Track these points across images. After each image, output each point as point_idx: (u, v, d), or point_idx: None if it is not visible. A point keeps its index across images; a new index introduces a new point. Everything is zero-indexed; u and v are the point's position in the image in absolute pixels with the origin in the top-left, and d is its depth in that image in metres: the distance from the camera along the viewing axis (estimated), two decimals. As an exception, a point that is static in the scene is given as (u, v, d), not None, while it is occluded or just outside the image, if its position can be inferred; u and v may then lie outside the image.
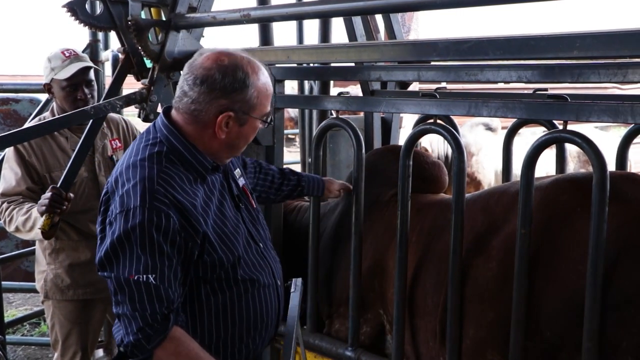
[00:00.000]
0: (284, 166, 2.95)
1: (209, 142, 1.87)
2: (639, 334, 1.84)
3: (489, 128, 6.87)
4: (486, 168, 6.69)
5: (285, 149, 2.98)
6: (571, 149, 5.97)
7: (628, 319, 1.85)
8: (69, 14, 2.75)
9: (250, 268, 1.93)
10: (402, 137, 3.44)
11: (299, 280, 2.20)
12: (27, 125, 3.13)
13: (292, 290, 2.16)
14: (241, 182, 2.10)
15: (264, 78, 1.88)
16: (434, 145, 6.46)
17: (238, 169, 2.14)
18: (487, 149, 6.68)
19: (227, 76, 1.78)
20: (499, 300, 2.11)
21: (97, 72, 3.21)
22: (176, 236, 1.73)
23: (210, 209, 1.86)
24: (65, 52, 2.99)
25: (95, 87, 3.10)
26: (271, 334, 2.06)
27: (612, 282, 1.87)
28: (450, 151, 6.30)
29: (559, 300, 1.99)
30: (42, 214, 2.68)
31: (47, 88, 3.07)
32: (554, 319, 1.99)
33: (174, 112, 1.90)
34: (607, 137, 7.00)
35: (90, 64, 3.05)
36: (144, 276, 1.69)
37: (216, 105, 1.80)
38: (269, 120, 1.94)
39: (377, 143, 3.62)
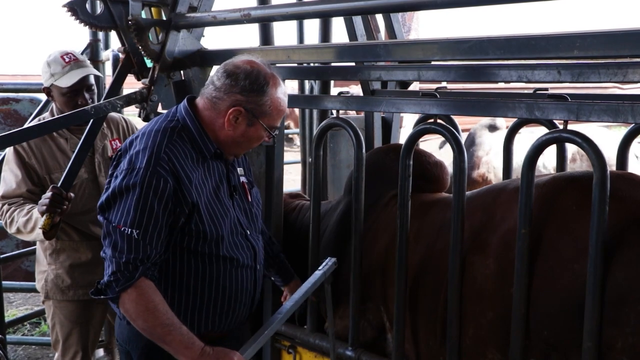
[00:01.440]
0: (284, 166, 2.96)
1: (218, 132, 2.09)
2: (633, 334, 1.83)
3: (497, 128, 6.93)
4: (497, 167, 6.74)
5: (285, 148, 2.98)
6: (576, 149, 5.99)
7: (623, 318, 1.85)
8: (70, 13, 2.75)
9: (233, 248, 2.13)
10: (402, 136, 3.44)
11: (333, 259, 2.40)
12: (27, 125, 3.13)
13: (319, 267, 2.36)
14: (242, 179, 2.28)
15: (282, 95, 2.10)
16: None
17: (242, 168, 2.32)
18: (497, 149, 6.71)
19: (250, 78, 2.02)
20: (498, 299, 2.11)
21: (97, 77, 3.19)
22: (168, 201, 1.95)
23: (206, 187, 2.07)
24: (65, 57, 2.97)
25: (96, 90, 3.10)
26: (244, 315, 2.23)
27: (608, 281, 1.87)
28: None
29: (556, 299, 1.99)
30: (42, 214, 2.69)
31: (46, 92, 3.06)
32: (550, 318, 1.99)
33: (198, 99, 2.15)
34: (612, 135, 6.99)
35: (91, 70, 3.03)
36: (129, 229, 1.92)
37: (233, 99, 2.03)
38: (274, 133, 2.13)
39: (378, 143, 3.62)
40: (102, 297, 1.98)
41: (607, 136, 6.47)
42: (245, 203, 2.26)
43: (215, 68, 2.34)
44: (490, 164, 6.84)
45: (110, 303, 2.04)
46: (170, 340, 1.93)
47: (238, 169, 2.28)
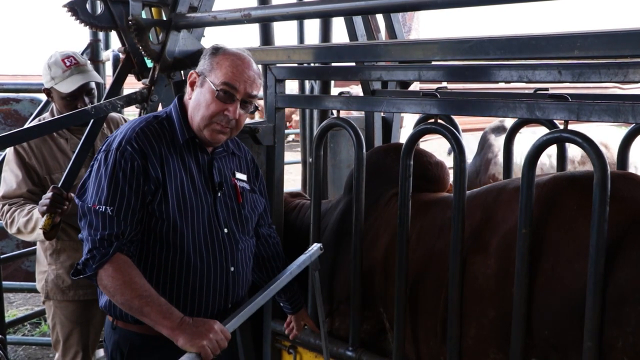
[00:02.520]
0: (285, 166, 2.96)
1: (189, 107, 2.15)
2: (634, 334, 1.83)
3: (505, 129, 6.99)
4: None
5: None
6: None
7: (624, 318, 1.85)
8: (70, 13, 2.75)
9: (201, 242, 2.11)
10: (402, 136, 3.44)
11: (319, 245, 2.40)
12: (27, 125, 3.13)
13: (304, 252, 2.36)
14: (240, 183, 2.27)
15: (237, 60, 2.09)
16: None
17: (245, 175, 2.33)
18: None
19: (209, 49, 2.14)
20: (499, 298, 2.11)
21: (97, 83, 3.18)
22: (139, 178, 2.00)
23: (180, 173, 2.09)
24: (66, 61, 2.96)
25: (95, 94, 3.09)
26: (213, 314, 2.15)
27: (608, 281, 1.87)
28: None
29: (556, 299, 1.99)
30: (43, 214, 2.68)
31: (46, 92, 3.06)
32: (551, 318, 1.99)
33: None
34: (620, 132, 7.01)
35: (91, 76, 3.02)
36: (103, 207, 1.98)
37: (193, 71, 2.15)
38: (219, 90, 2.05)
39: (378, 143, 3.62)
40: (81, 276, 2.02)
41: (616, 134, 6.48)
42: (233, 203, 2.23)
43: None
44: (499, 165, 6.88)
45: (91, 281, 2.05)
46: (148, 312, 1.93)
47: (239, 174, 2.29)
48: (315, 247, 2.40)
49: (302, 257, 2.34)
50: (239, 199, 2.24)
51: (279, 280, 2.20)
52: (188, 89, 2.15)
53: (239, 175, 2.28)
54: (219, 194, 2.18)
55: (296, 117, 11.92)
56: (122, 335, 2.13)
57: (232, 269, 2.18)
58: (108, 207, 1.97)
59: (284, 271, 2.26)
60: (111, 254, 1.95)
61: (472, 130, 10.15)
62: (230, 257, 2.18)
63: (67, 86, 2.92)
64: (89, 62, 3.15)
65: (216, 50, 2.11)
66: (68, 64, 2.95)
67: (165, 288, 2.07)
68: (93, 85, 3.05)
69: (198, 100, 2.10)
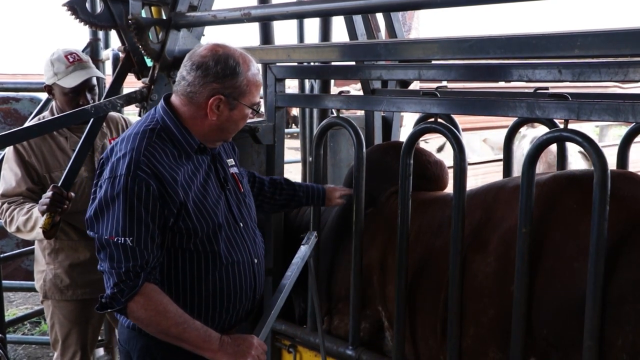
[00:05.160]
0: (285, 165, 2.96)
1: (201, 123, 2.07)
2: (633, 332, 1.84)
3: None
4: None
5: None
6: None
7: (623, 316, 1.85)
8: (70, 12, 2.75)
9: (226, 243, 2.11)
10: (402, 135, 3.44)
11: (314, 233, 2.43)
12: (27, 124, 3.13)
13: (302, 242, 2.38)
14: (233, 170, 2.27)
15: (254, 70, 2.08)
16: None
17: (232, 159, 2.31)
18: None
19: (220, 63, 2.00)
20: (498, 297, 2.11)
21: (98, 78, 3.19)
22: (155, 203, 1.93)
23: (194, 183, 2.05)
24: (69, 57, 2.96)
25: (97, 91, 3.09)
26: (247, 308, 2.21)
27: (608, 279, 1.87)
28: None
29: (555, 297, 1.99)
30: (43, 214, 2.68)
31: (47, 89, 3.06)
32: (550, 316, 1.99)
33: (173, 97, 2.12)
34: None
35: (94, 72, 3.02)
36: (122, 238, 1.90)
37: (209, 89, 2.01)
38: (258, 109, 2.13)
39: (378, 142, 3.62)
40: (109, 310, 1.95)
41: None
42: (238, 194, 2.23)
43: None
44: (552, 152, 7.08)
45: (117, 315, 2.03)
46: (187, 338, 1.94)
47: (228, 160, 2.27)
48: (312, 235, 2.42)
49: (303, 249, 2.35)
50: (240, 188, 2.25)
51: (290, 278, 2.22)
52: (211, 111, 2.03)
53: (229, 162, 2.28)
54: (227, 190, 2.18)
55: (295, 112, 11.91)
56: (154, 339, 2.03)
57: (255, 261, 2.21)
58: (127, 239, 1.90)
59: (291, 268, 2.27)
60: (140, 285, 1.91)
61: (472, 129, 10.16)
62: (253, 250, 2.20)
63: (71, 81, 2.92)
64: (90, 59, 3.15)
65: (233, 70, 2.01)
66: (71, 59, 2.96)
67: (201, 297, 2.07)
68: (95, 82, 3.05)
69: (226, 122, 2.07)
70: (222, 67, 2.00)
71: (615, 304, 1.86)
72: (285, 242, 2.92)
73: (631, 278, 1.87)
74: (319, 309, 2.49)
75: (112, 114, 3.22)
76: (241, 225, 2.19)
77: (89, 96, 2.99)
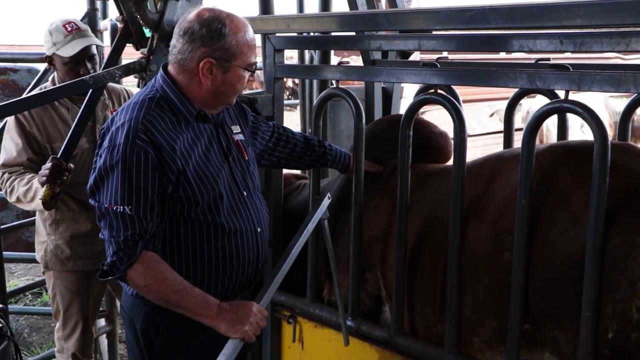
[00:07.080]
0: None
1: (197, 90, 2.05)
2: (623, 301, 1.84)
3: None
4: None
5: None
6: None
7: (614, 285, 1.86)
8: (67, -19, 2.71)
9: (229, 211, 2.11)
10: (403, 107, 3.43)
11: (327, 194, 2.39)
12: (26, 94, 3.12)
13: (313, 205, 2.37)
14: (237, 137, 2.25)
15: (244, 30, 2.04)
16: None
17: (238, 126, 2.29)
18: None
19: (204, 26, 1.98)
20: (492, 266, 2.12)
21: (98, 46, 3.17)
22: (154, 171, 1.94)
23: (194, 152, 2.05)
24: (67, 26, 2.95)
25: (98, 60, 3.08)
26: (250, 276, 2.22)
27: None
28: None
29: (550, 267, 1.99)
30: (42, 185, 2.68)
31: (48, 60, 3.04)
32: (545, 286, 2.00)
33: (169, 66, 2.11)
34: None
35: (93, 40, 3.01)
36: (121, 207, 1.92)
37: (198, 53, 2.00)
38: (253, 69, 2.09)
39: (378, 113, 3.60)
40: (109, 277, 1.98)
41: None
42: (242, 162, 2.22)
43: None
44: None
45: (119, 282, 2.05)
46: (185, 305, 1.97)
47: (233, 127, 2.25)
48: (325, 198, 2.37)
49: (315, 212, 2.32)
50: (244, 156, 2.24)
51: (297, 244, 2.20)
52: (204, 76, 2.01)
53: (234, 129, 2.26)
54: (230, 158, 2.17)
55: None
56: (157, 307, 2.05)
57: (259, 229, 2.21)
58: (126, 207, 1.92)
59: (299, 231, 2.26)
60: (138, 254, 1.94)
61: (472, 100, 10.12)
62: (256, 219, 2.21)
63: (70, 50, 2.91)
64: (89, 28, 3.13)
65: (219, 31, 1.98)
66: (69, 29, 2.94)
67: (203, 265, 2.09)
68: (95, 51, 3.03)
69: (221, 86, 2.05)
70: (207, 29, 1.97)
71: (607, 272, 1.86)
72: (287, 222, 2.92)
73: (623, 246, 1.86)
74: (336, 273, 2.46)
75: (115, 85, 3.21)
76: (245, 193, 2.19)
77: (89, 65, 2.97)
